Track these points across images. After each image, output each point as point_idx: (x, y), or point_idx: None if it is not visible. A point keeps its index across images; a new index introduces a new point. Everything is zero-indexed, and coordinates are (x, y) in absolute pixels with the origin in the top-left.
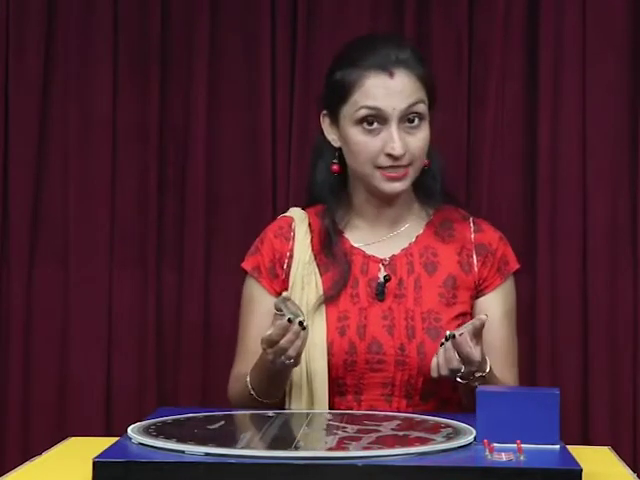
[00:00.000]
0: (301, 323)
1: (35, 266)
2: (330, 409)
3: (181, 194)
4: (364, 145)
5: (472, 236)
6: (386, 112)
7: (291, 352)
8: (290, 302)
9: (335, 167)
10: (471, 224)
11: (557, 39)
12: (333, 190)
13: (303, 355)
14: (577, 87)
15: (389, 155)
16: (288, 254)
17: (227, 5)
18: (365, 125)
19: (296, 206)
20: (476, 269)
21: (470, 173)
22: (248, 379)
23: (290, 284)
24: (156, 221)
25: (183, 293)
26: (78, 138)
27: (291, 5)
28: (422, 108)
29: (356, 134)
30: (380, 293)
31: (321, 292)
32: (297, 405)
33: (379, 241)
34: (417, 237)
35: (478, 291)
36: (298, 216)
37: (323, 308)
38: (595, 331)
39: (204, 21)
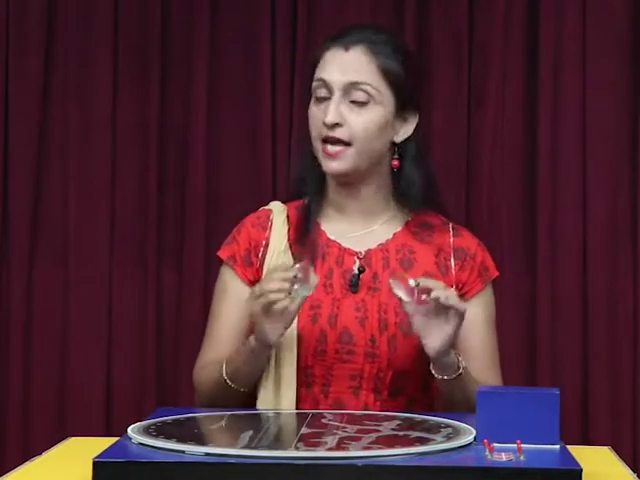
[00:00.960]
0: (296, 276)
1: (35, 266)
2: (296, 402)
3: (181, 194)
4: (312, 116)
5: (451, 240)
6: (329, 83)
7: (272, 296)
8: (307, 270)
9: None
10: (450, 229)
11: (557, 39)
12: (312, 181)
13: None
14: (577, 87)
15: (324, 124)
16: (264, 243)
17: (227, 5)
18: (317, 96)
19: (278, 200)
20: (453, 272)
21: (470, 173)
22: (224, 364)
23: (264, 272)
24: (156, 221)
25: (183, 293)
26: (78, 138)
27: (291, 5)
28: (370, 90)
29: (310, 106)
30: (354, 285)
31: None
32: (264, 391)
33: (355, 235)
34: (394, 234)
35: (458, 296)
36: (277, 208)
37: None
38: (595, 331)
39: (204, 21)
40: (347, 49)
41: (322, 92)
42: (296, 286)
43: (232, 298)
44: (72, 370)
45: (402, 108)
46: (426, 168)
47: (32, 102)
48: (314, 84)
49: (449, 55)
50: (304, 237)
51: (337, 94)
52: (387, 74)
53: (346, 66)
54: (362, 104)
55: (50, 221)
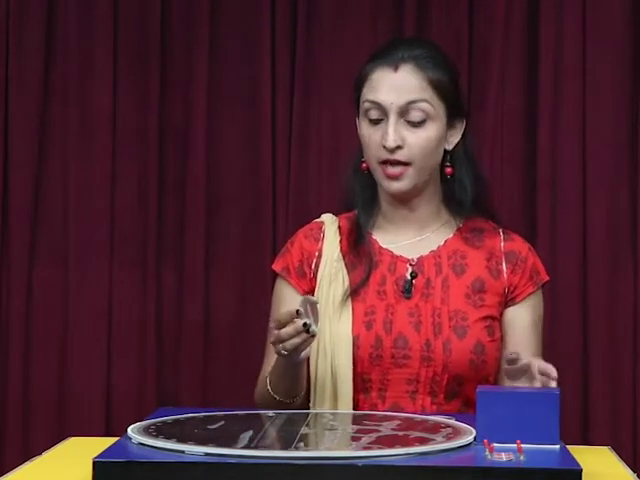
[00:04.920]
0: (305, 324)
1: (35, 266)
2: (354, 407)
3: (181, 194)
4: (368, 138)
5: (501, 244)
6: (384, 106)
7: (287, 345)
8: (314, 306)
9: (363, 165)
10: (501, 234)
11: (557, 40)
12: (362, 191)
13: (328, 350)
14: (577, 88)
15: (384, 147)
16: (317, 254)
17: (227, 5)
18: (370, 118)
19: (328, 212)
20: (505, 276)
21: None
22: (268, 376)
23: (318, 282)
24: (156, 221)
25: (183, 293)
26: (78, 138)
27: (291, 5)
28: (426, 107)
29: (363, 127)
30: (407, 290)
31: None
32: (320, 401)
33: (407, 243)
34: (446, 241)
35: (509, 299)
36: (329, 220)
37: (349, 303)
38: (595, 331)
39: (204, 21)
40: (396, 69)
41: (375, 114)
42: (307, 321)
43: (288, 309)
44: (72, 370)
45: (452, 117)
46: (476, 172)
47: (32, 102)
48: (365, 105)
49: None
50: (357, 246)
51: (393, 116)
52: (437, 87)
53: (399, 87)
54: (419, 123)
55: (50, 221)
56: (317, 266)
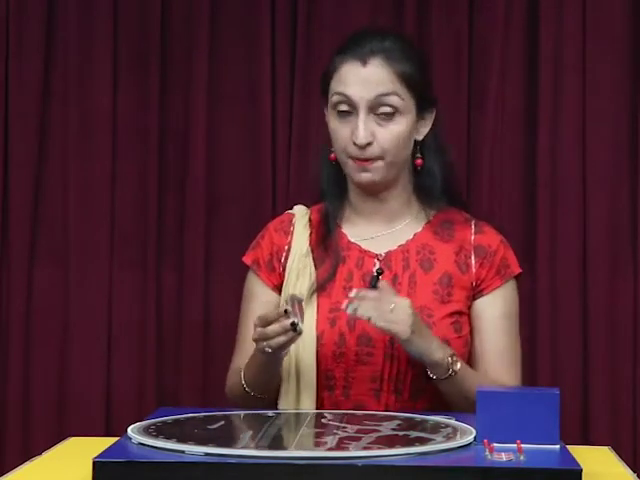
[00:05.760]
0: (293, 323)
1: (35, 266)
2: (318, 405)
3: (181, 194)
4: (337, 132)
5: (472, 237)
6: (354, 100)
7: (272, 342)
8: (300, 304)
9: (332, 155)
10: (472, 226)
11: (557, 39)
12: (331, 183)
13: (292, 346)
14: (577, 87)
15: (355, 144)
16: (286, 247)
17: (227, 5)
18: (339, 111)
19: (301, 204)
20: (473, 270)
21: (470, 173)
22: (242, 370)
23: (286, 276)
24: (156, 221)
25: (183, 293)
26: (78, 138)
27: (291, 5)
28: (395, 101)
29: (332, 120)
30: (373, 287)
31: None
32: (285, 398)
33: (376, 237)
34: (415, 235)
35: (476, 292)
36: (300, 212)
37: (315, 299)
38: (595, 331)
39: (204, 21)
40: (364, 63)
41: (344, 107)
42: (295, 319)
43: (258, 302)
44: (72, 370)
45: (421, 109)
46: (445, 160)
47: (32, 102)
48: (334, 98)
49: (449, 55)
50: (325, 241)
51: (363, 112)
52: (406, 80)
53: (368, 81)
54: (389, 117)
55: (50, 221)
56: (286, 260)
